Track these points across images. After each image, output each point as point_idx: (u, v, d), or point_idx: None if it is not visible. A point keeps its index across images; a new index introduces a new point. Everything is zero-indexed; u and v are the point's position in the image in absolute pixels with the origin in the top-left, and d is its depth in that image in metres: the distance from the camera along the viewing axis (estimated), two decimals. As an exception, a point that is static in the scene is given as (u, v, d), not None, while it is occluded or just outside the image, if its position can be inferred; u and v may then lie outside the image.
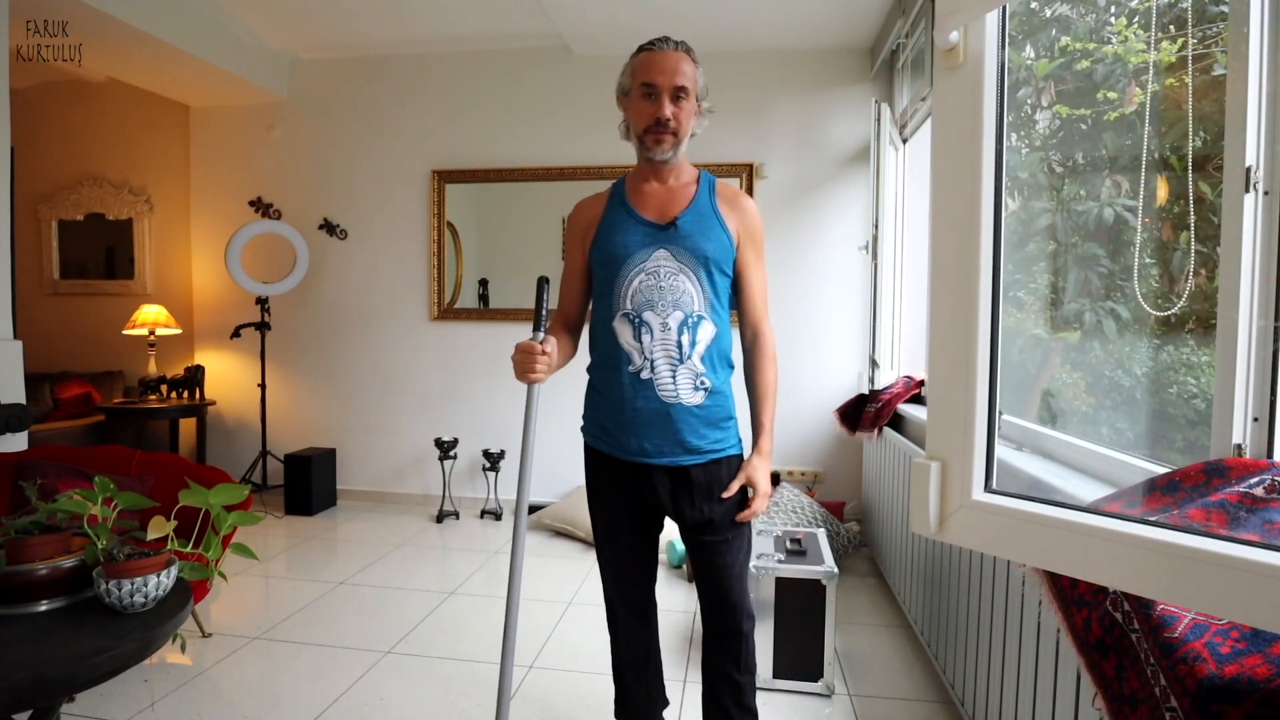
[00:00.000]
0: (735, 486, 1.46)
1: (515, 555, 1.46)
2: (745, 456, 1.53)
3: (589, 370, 1.56)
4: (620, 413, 1.46)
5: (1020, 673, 1.47)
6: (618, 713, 1.66)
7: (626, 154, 4.01)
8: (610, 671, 1.69)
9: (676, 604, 2.75)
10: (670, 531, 3.10)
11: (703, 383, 1.44)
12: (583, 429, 1.60)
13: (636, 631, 1.62)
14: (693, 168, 1.55)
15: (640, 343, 1.43)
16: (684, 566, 3.09)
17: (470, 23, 3.78)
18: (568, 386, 4.10)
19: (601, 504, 1.56)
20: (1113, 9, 2.09)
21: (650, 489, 1.49)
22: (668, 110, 1.42)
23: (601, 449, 1.53)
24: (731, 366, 1.53)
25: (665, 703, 1.71)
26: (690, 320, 1.43)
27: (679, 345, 1.43)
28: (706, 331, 1.45)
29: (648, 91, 1.43)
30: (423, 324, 4.23)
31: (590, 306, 1.58)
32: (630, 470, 1.50)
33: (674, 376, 1.43)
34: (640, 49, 1.47)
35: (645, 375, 1.43)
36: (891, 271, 3.28)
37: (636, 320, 1.43)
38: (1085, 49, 2.11)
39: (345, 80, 4.25)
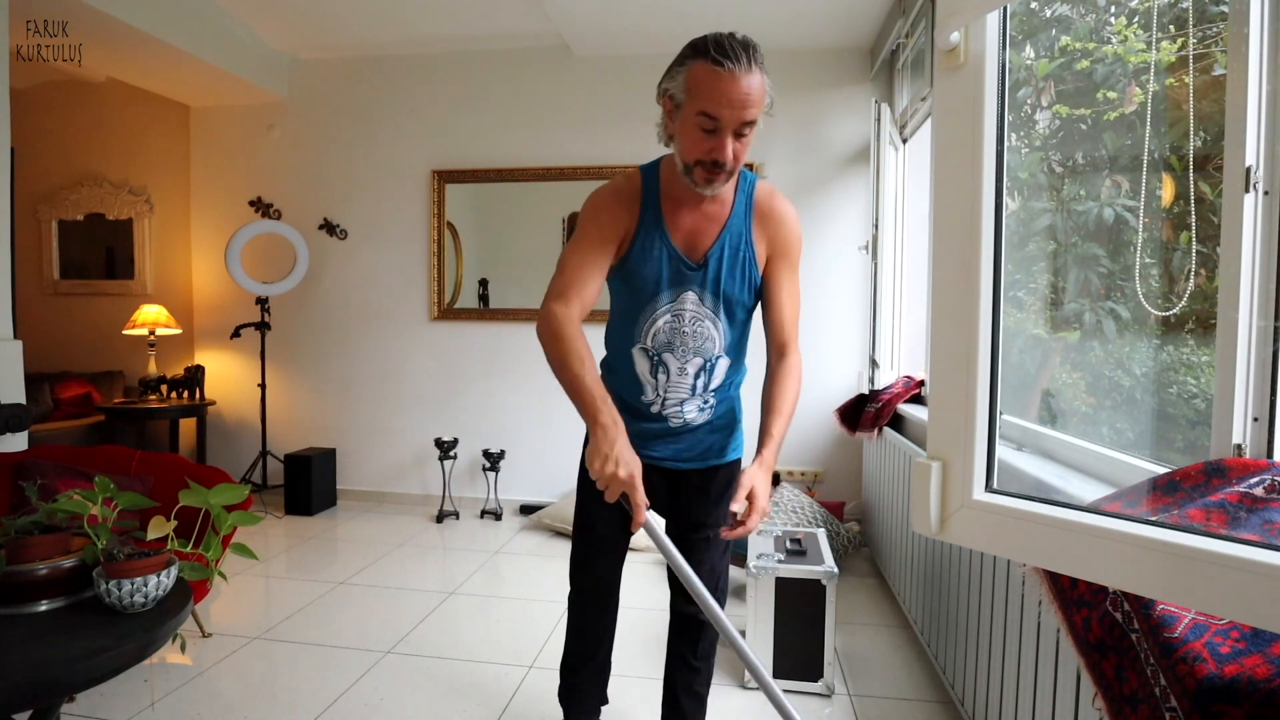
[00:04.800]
0: (741, 499, 1.25)
1: None
2: (744, 463, 1.51)
3: (603, 364, 1.53)
4: (628, 423, 1.45)
5: (1020, 673, 1.47)
6: (562, 700, 1.66)
7: (628, 154, 4.06)
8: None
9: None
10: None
11: (708, 404, 1.45)
12: None
13: (594, 625, 1.61)
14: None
15: (655, 379, 1.42)
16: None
17: (470, 23, 3.78)
18: (568, 386, 4.11)
19: (593, 497, 1.54)
20: (1113, 9, 2.09)
21: (648, 489, 1.50)
22: (729, 152, 1.18)
23: None
24: (743, 370, 1.51)
25: (605, 700, 1.72)
26: (709, 364, 1.41)
27: (693, 387, 1.42)
28: (722, 367, 1.44)
29: (708, 125, 1.17)
30: (423, 324, 4.23)
31: (611, 309, 1.51)
32: None
33: (682, 408, 1.44)
34: (702, 52, 1.16)
35: (656, 409, 1.44)
36: (891, 271, 3.28)
37: (655, 359, 1.41)
38: (1085, 49, 2.11)
39: (345, 80, 4.25)
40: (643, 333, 1.40)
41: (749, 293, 1.39)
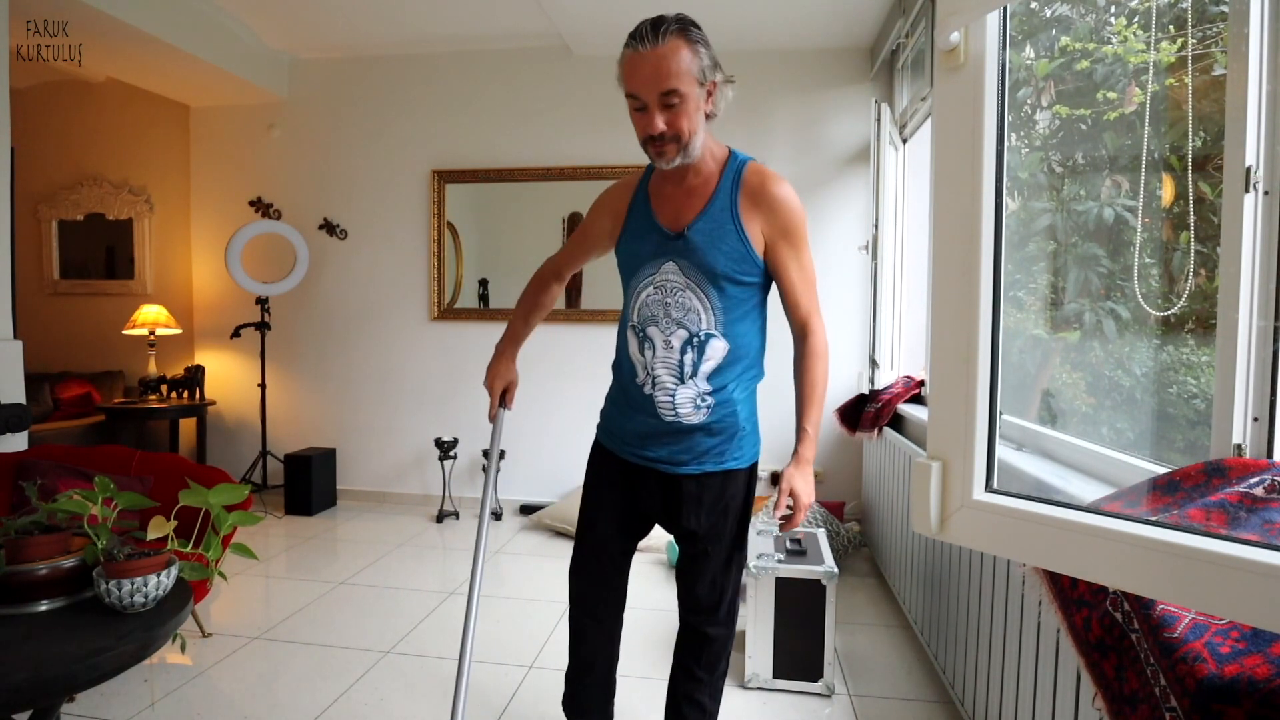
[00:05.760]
0: (783, 504, 1.33)
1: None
2: (753, 465, 1.50)
3: (613, 366, 1.56)
4: (625, 417, 1.48)
5: (1020, 673, 1.47)
6: (565, 709, 1.64)
7: (628, 154, 4.06)
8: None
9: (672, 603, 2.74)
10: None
11: (705, 400, 1.38)
12: (597, 424, 1.61)
13: (592, 634, 1.57)
14: (723, 150, 1.41)
15: (644, 357, 1.40)
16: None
17: (470, 23, 3.78)
18: (568, 387, 4.12)
19: (594, 498, 1.55)
20: (1113, 9, 2.09)
21: (646, 493, 1.49)
22: (659, 125, 1.26)
23: (605, 444, 1.54)
24: (759, 374, 1.47)
25: (609, 718, 1.67)
26: (696, 340, 1.36)
27: (681, 365, 1.37)
28: (716, 349, 1.37)
29: (635, 104, 1.28)
30: (423, 324, 4.23)
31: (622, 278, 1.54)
32: (627, 471, 1.50)
33: (674, 396, 1.38)
34: (625, 43, 1.27)
35: (648, 390, 1.41)
36: (891, 271, 3.28)
37: (641, 334, 1.41)
38: (1085, 49, 2.11)
39: (345, 80, 4.25)
40: (632, 309, 1.42)
41: (734, 266, 1.35)
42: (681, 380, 1.38)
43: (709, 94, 1.31)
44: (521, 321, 1.66)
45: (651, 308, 1.39)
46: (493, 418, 1.61)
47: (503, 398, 1.64)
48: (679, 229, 1.37)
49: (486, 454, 3.99)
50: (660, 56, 1.22)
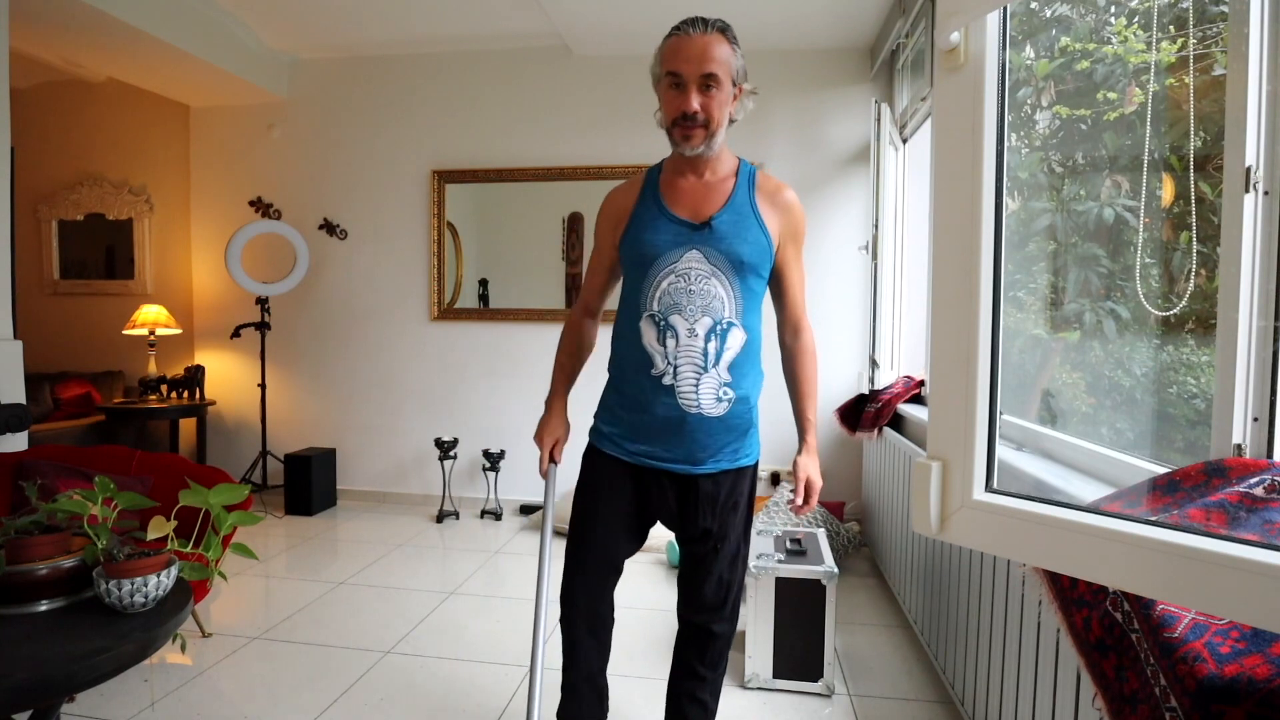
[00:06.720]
0: (800, 490, 1.47)
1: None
2: (757, 461, 1.54)
3: (609, 368, 1.53)
4: (638, 415, 1.44)
5: (1020, 673, 1.47)
6: (561, 718, 1.62)
7: (628, 154, 4.06)
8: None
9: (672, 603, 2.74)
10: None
11: (726, 393, 1.39)
12: (591, 429, 1.56)
13: (583, 647, 1.55)
14: (733, 157, 1.46)
15: (664, 347, 1.38)
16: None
17: (470, 23, 3.78)
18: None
19: (592, 507, 1.51)
20: (1113, 9, 2.09)
21: (658, 497, 1.47)
22: (694, 103, 1.32)
23: (607, 450, 1.50)
24: (762, 374, 1.48)
25: None
26: (719, 327, 1.37)
27: (705, 353, 1.37)
28: (736, 339, 1.39)
29: (674, 81, 1.34)
30: (423, 324, 4.23)
31: (619, 298, 1.53)
32: (635, 475, 1.47)
33: (697, 385, 1.38)
34: (670, 32, 1.37)
35: (668, 381, 1.38)
36: (891, 271, 3.28)
37: (662, 323, 1.38)
38: (1085, 49, 2.11)
39: (345, 80, 4.25)
40: (648, 299, 1.39)
41: (756, 256, 1.39)
42: (705, 369, 1.38)
43: (735, 96, 1.39)
44: (562, 373, 1.63)
45: (675, 295, 1.38)
46: (544, 473, 1.62)
47: (552, 452, 1.61)
48: (702, 220, 1.40)
49: (488, 454, 3.98)
50: (707, 42, 1.33)
